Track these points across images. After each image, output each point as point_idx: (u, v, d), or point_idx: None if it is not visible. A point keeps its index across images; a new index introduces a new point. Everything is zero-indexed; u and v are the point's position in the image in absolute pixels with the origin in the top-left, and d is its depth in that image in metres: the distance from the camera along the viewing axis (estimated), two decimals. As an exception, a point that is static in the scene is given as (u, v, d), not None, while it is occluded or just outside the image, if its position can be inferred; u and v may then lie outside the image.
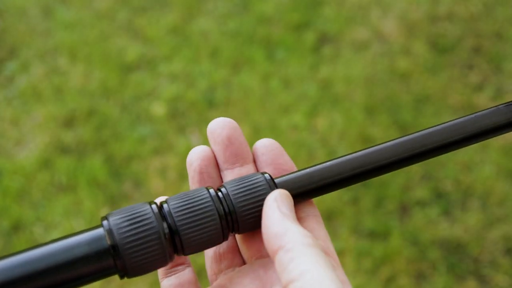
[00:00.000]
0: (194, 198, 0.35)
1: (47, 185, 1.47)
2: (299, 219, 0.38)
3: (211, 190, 0.36)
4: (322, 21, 1.90)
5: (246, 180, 0.37)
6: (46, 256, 0.32)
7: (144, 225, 0.33)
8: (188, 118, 1.63)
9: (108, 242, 0.32)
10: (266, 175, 0.37)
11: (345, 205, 1.41)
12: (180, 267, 0.40)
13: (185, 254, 0.35)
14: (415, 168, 1.48)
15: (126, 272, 0.33)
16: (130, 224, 0.33)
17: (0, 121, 1.65)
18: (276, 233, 0.33)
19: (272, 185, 0.37)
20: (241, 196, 0.36)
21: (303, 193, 0.38)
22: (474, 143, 0.41)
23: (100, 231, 0.33)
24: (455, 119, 0.41)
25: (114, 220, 0.33)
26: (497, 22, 1.86)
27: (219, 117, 0.40)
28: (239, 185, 0.36)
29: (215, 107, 1.65)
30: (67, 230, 1.36)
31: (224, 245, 0.40)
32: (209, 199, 0.35)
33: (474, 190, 1.43)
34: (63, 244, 0.32)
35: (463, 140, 0.41)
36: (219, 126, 0.39)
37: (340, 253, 1.33)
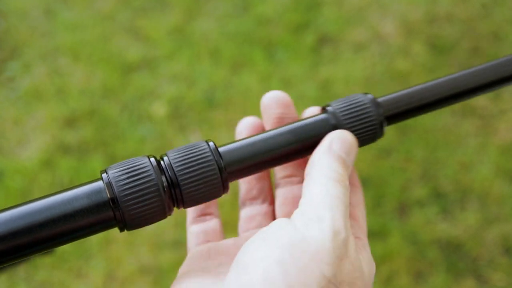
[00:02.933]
0: (193, 151, 0.35)
1: (49, 185, 1.48)
2: None
3: (211, 143, 0.36)
4: (322, 21, 1.90)
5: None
6: (46, 208, 0.32)
7: (142, 178, 0.33)
8: (189, 118, 1.64)
9: (108, 194, 0.33)
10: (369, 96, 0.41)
11: (344, 205, 1.42)
12: (207, 217, 0.41)
13: (185, 207, 0.36)
14: (414, 168, 1.49)
15: (125, 225, 0.34)
16: (129, 177, 0.33)
17: (2, 121, 1.66)
18: (312, 161, 0.35)
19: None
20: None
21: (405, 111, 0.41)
22: None
23: (99, 184, 0.33)
24: None
25: (113, 173, 0.33)
26: (495, 23, 1.87)
27: (273, 91, 0.42)
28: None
29: (215, 107, 1.66)
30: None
31: (257, 208, 0.42)
32: (209, 151, 0.35)
33: (472, 190, 1.44)
34: (62, 197, 0.33)
35: None
36: (272, 102, 0.42)
37: (340, 252, 1.33)
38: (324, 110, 0.40)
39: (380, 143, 1.58)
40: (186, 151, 0.35)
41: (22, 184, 1.48)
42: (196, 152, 0.35)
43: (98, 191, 0.33)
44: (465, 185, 1.45)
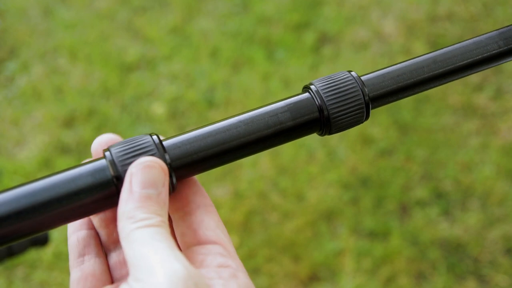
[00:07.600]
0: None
1: (47, 185, 1.47)
2: (186, 213, 0.36)
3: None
4: (322, 21, 1.90)
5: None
6: (51, 187, 0.32)
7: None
8: (188, 118, 1.63)
9: (111, 172, 0.33)
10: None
11: (345, 205, 1.41)
12: (85, 257, 0.38)
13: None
14: (415, 168, 1.48)
15: None
16: (132, 156, 0.33)
17: (0, 121, 1.65)
18: (118, 214, 0.32)
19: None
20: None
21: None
22: None
23: (102, 162, 0.33)
24: None
25: (116, 151, 0.33)
26: (497, 22, 1.86)
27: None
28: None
29: (215, 107, 1.66)
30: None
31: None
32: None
33: (474, 190, 1.43)
34: (66, 175, 0.33)
35: None
36: (100, 147, 0.38)
37: (340, 253, 1.33)
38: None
39: (380, 143, 1.56)
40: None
41: (20, 184, 1.47)
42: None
43: (101, 169, 0.33)
44: (466, 185, 1.44)
